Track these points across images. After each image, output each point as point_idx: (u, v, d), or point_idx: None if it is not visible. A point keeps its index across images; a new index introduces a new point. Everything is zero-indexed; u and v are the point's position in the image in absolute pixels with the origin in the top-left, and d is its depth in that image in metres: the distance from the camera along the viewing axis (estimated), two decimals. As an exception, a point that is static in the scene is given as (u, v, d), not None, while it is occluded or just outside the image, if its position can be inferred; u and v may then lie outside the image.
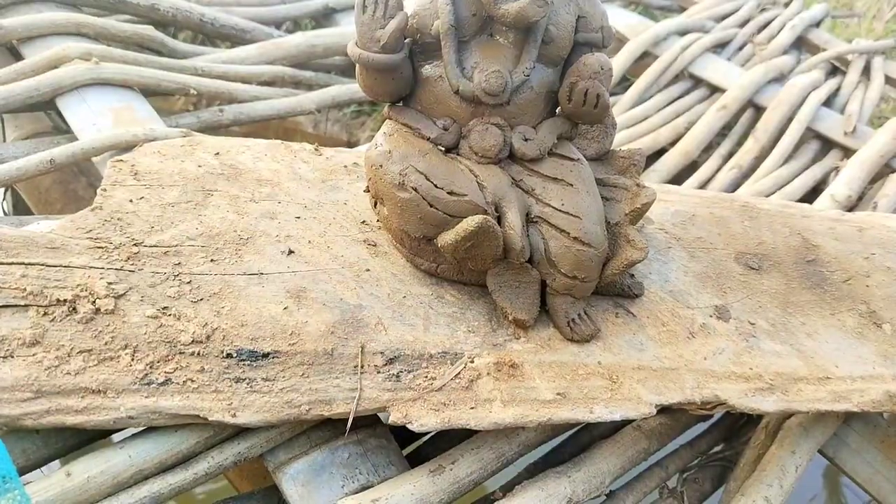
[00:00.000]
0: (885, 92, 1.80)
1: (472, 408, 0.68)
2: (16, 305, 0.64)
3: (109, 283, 0.68)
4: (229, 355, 0.66)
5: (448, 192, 0.71)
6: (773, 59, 1.73)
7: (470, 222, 0.68)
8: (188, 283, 0.70)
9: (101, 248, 0.71)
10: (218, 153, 0.89)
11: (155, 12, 1.42)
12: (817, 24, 2.01)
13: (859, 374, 0.82)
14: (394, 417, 0.67)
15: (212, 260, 0.73)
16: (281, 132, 1.81)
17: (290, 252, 0.77)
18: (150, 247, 0.73)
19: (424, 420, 0.67)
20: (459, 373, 0.71)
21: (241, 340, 0.67)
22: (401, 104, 0.77)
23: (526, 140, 0.74)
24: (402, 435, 0.78)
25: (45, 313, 0.64)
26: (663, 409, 0.74)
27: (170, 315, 0.67)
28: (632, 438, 0.82)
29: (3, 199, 1.41)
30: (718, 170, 1.46)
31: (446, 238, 0.70)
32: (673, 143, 1.50)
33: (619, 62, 1.69)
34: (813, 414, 0.85)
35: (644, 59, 1.74)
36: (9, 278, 0.65)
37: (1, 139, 1.23)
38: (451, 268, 0.78)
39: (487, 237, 0.69)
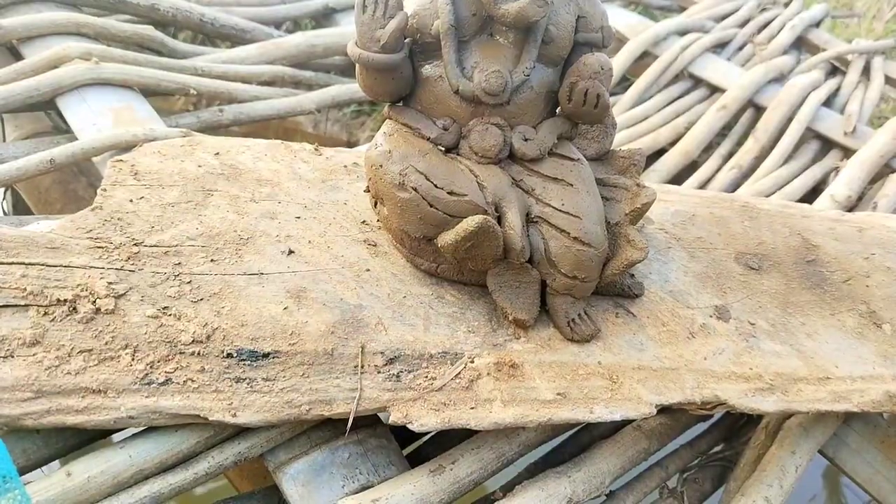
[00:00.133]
0: (884, 92, 1.80)
1: (472, 408, 0.68)
2: (16, 305, 0.64)
3: (110, 283, 0.68)
4: (229, 355, 0.66)
5: (448, 192, 0.71)
6: (773, 59, 1.73)
7: (470, 222, 0.68)
8: (188, 282, 0.70)
9: (102, 247, 0.71)
10: (218, 153, 0.89)
11: (155, 12, 1.42)
12: (817, 24, 2.01)
13: (859, 375, 0.82)
14: (394, 417, 0.67)
15: (212, 260, 0.73)
16: (281, 132, 1.81)
17: (290, 252, 0.77)
18: (151, 247, 0.73)
19: (424, 420, 0.67)
20: (459, 373, 0.71)
21: (242, 340, 0.67)
22: (401, 104, 0.77)
23: (526, 140, 0.74)
24: (402, 435, 0.78)
25: (46, 313, 0.64)
26: (663, 409, 0.74)
27: (170, 315, 0.67)
28: (632, 438, 0.82)
29: (3, 199, 1.41)
30: (718, 170, 1.46)
31: (446, 238, 0.71)
32: (673, 143, 1.50)
33: (619, 62, 1.69)
34: (813, 414, 0.85)
35: (644, 59, 1.74)
36: (9, 278, 0.65)
37: (1, 139, 1.23)
38: (451, 268, 0.78)
39: (487, 237, 0.69)
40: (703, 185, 1.42)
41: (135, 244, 0.72)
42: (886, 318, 0.90)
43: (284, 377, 0.67)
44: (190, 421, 0.64)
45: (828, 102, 1.65)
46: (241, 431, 0.68)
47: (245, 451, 0.68)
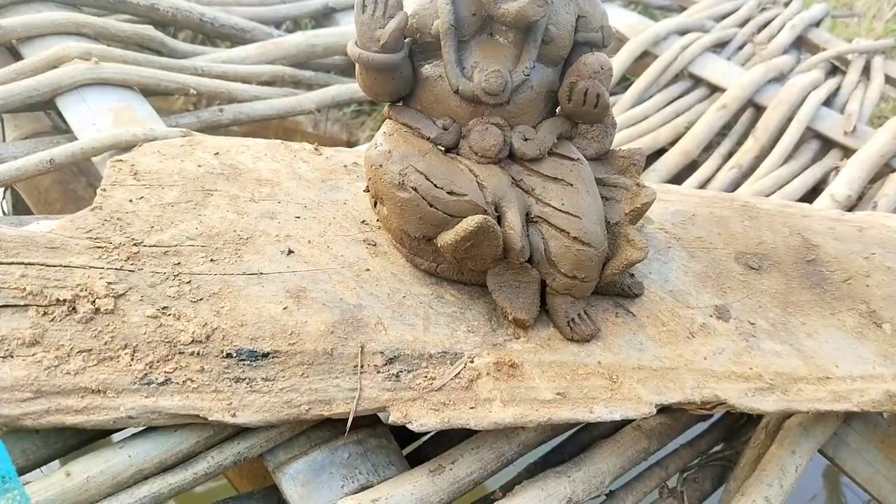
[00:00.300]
0: (885, 91, 1.80)
1: (471, 408, 0.68)
2: (15, 305, 0.64)
3: (109, 283, 0.68)
4: (229, 355, 0.66)
5: (448, 192, 0.71)
6: (773, 59, 1.73)
7: (470, 222, 0.68)
8: (188, 282, 0.70)
9: (101, 247, 0.71)
10: (218, 153, 0.89)
11: (155, 12, 1.42)
12: (817, 24, 2.01)
13: (859, 374, 0.82)
14: (394, 417, 0.67)
15: (211, 260, 0.73)
16: (281, 132, 1.81)
17: (290, 252, 0.77)
18: (150, 247, 0.73)
19: (424, 420, 0.67)
20: (459, 373, 0.71)
21: (241, 340, 0.67)
22: (401, 104, 0.77)
23: (526, 140, 0.74)
24: (402, 435, 0.78)
25: (45, 313, 0.64)
26: (663, 409, 0.74)
27: (169, 315, 0.67)
28: (632, 438, 0.82)
29: (3, 199, 1.41)
30: (718, 169, 1.46)
31: (446, 238, 0.70)
32: (673, 143, 1.50)
33: (619, 62, 1.69)
34: (813, 414, 0.85)
35: (644, 58, 1.74)
36: (8, 278, 0.65)
37: (1, 139, 1.23)
38: (451, 268, 0.78)
39: (487, 237, 0.69)
40: (703, 185, 1.42)
41: (134, 244, 0.72)
42: (886, 318, 0.90)
43: (284, 377, 0.67)
44: (189, 421, 0.64)
45: (828, 102, 1.65)
46: (240, 431, 0.68)
47: (245, 451, 0.68)
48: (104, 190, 0.78)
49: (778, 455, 0.83)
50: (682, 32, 1.82)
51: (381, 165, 0.73)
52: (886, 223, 1.06)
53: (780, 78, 1.68)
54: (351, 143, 1.78)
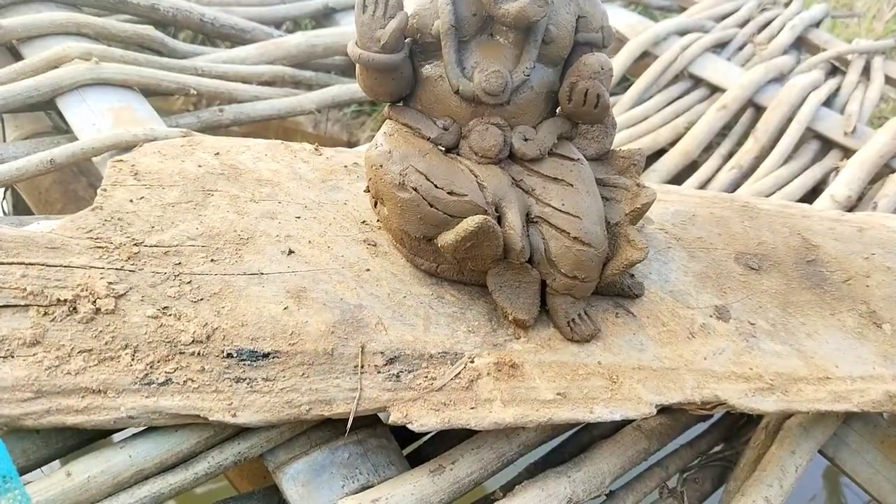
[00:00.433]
0: (884, 92, 1.80)
1: (472, 408, 0.68)
2: (16, 305, 0.64)
3: (110, 283, 0.68)
4: (229, 355, 0.66)
5: (448, 192, 0.71)
6: (773, 59, 1.73)
7: (470, 222, 0.68)
8: (188, 283, 0.70)
9: (102, 248, 0.71)
10: (218, 153, 0.89)
11: (155, 12, 1.42)
12: (817, 24, 2.01)
13: (859, 375, 0.82)
14: (394, 417, 0.67)
15: (212, 260, 0.73)
16: (281, 132, 1.81)
17: (291, 252, 0.77)
18: (151, 247, 0.73)
19: (424, 420, 0.67)
20: (459, 373, 0.71)
21: (242, 340, 0.67)
22: (401, 104, 0.77)
23: (526, 140, 0.74)
24: (402, 435, 0.78)
25: (46, 313, 0.64)
26: (663, 409, 0.74)
27: (170, 315, 0.67)
28: (632, 438, 0.82)
29: (3, 199, 1.41)
30: (718, 170, 1.47)
31: (446, 238, 0.71)
32: (673, 143, 1.50)
33: (619, 62, 1.69)
34: (813, 414, 0.85)
35: (644, 59, 1.74)
36: (9, 278, 0.65)
37: (1, 139, 1.23)
38: (451, 268, 0.78)
39: (487, 237, 0.69)
40: (703, 185, 1.42)
41: (135, 244, 0.72)
42: (886, 318, 0.90)
43: (284, 377, 0.67)
44: (190, 421, 0.64)
45: (828, 102, 1.65)
46: (240, 431, 0.68)
47: (245, 451, 0.68)
48: (105, 190, 0.78)
49: (778, 455, 0.83)
50: (682, 33, 1.82)
51: (381, 166, 0.73)
52: (886, 223, 1.06)
53: (780, 78, 1.68)
54: (351, 144, 1.78)
